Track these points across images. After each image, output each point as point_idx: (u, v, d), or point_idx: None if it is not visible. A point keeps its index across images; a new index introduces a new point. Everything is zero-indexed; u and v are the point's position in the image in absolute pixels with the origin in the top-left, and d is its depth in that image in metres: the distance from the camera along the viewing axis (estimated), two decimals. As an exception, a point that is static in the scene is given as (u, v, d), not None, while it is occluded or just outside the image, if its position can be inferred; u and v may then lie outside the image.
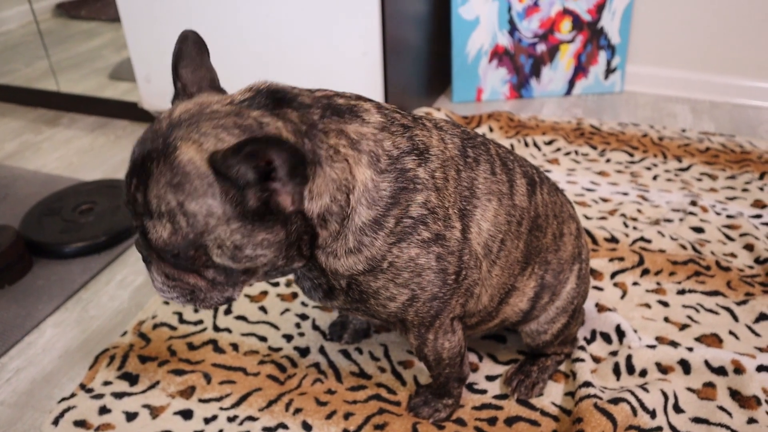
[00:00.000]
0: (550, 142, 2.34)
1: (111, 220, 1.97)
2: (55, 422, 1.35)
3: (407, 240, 0.97)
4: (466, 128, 1.14)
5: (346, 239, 0.95)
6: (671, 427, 1.28)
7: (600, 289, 1.65)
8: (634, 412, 1.26)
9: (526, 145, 2.32)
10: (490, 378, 1.42)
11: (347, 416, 1.32)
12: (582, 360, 1.41)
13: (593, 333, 1.51)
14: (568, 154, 2.27)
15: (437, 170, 1.00)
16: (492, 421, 1.31)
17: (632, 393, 1.29)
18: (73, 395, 1.42)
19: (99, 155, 2.51)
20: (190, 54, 0.96)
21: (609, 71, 2.79)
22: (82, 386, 1.45)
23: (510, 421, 1.31)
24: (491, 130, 2.38)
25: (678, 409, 1.31)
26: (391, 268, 0.98)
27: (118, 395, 1.40)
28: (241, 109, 0.86)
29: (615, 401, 1.26)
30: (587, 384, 1.33)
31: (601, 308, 1.52)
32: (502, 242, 1.11)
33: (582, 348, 1.44)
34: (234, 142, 0.80)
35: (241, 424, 1.31)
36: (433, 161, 1.00)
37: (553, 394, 1.37)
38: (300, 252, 0.94)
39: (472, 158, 1.08)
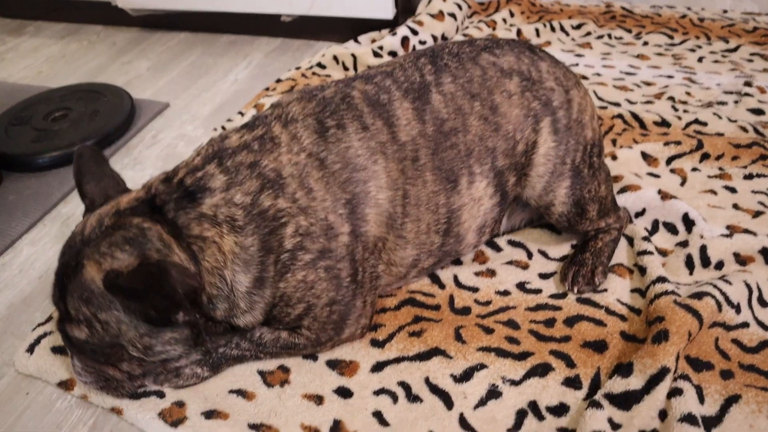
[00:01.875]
0: (578, 26, 2.09)
1: (89, 126, 1.73)
2: (30, 350, 1.15)
3: (290, 270, 0.98)
4: (323, 88, 1.09)
5: (238, 307, 0.99)
6: (758, 322, 1.09)
7: (656, 175, 1.44)
8: (719, 306, 1.07)
9: (553, 29, 2.07)
10: (544, 276, 1.22)
11: (375, 328, 1.13)
12: (650, 252, 1.21)
13: (655, 223, 1.31)
14: (600, 37, 2.03)
15: (297, 190, 0.98)
16: (549, 322, 1.12)
17: (714, 286, 1.10)
18: (49, 319, 1.21)
19: (72, 62, 2.24)
20: (90, 169, 1.05)
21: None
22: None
23: (570, 321, 1.12)
24: (512, 14, 2.13)
25: (763, 303, 1.12)
26: (283, 297, 1.00)
27: (109, 315, 1.20)
28: (124, 220, 0.94)
29: (698, 296, 1.07)
30: (662, 279, 1.13)
31: (664, 196, 1.31)
32: (404, 197, 1.05)
33: (647, 239, 1.24)
34: (126, 260, 0.90)
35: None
36: (289, 184, 0.98)
37: (618, 291, 1.17)
38: (215, 330, 1.02)
39: (334, 128, 1.03)
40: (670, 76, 1.82)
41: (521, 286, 1.20)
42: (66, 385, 1.09)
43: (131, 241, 0.91)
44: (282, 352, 1.07)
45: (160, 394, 1.04)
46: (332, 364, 1.07)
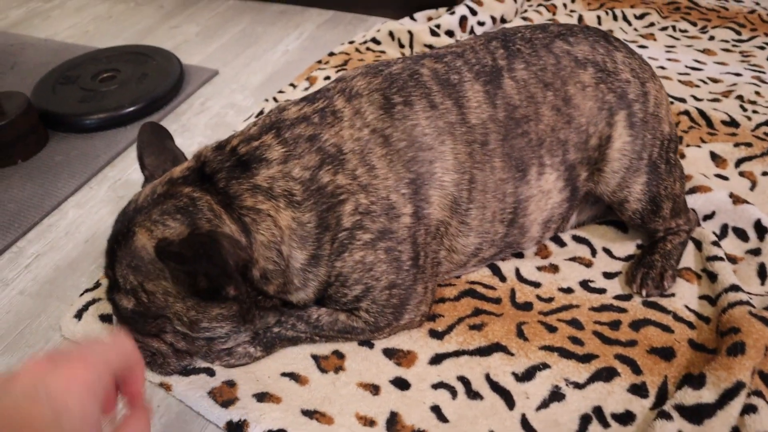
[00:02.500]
0: (641, 16, 2.01)
1: (137, 89, 1.69)
2: (78, 315, 1.12)
3: (348, 250, 0.95)
4: (389, 64, 1.05)
5: (292, 283, 0.96)
6: (837, 340, 1.03)
7: (724, 177, 1.38)
8: (798, 321, 1.02)
9: (615, 18, 1.99)
10: (609, 275, 1.17)
11: (433, 318, 1.09)
12: (720, 258, 1.15)
13: (724, 228, 1.25)
14: (664, 29, 1.95)
15: (358, 167, 0.94)
16: (615, 325, 1.07)
17: (793, 299, 1.04)
18: (97, 285, 1.19)
19: (118, 23, 2.20)
20: (152, 142, 1.05)
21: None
22: (111, 274, 1.22)
23: (636, 325, 1.07)
24: (573, 0, 2.05)
25: (842, 320, 1.07)
26: (339, 277, 0.97)
27: (158, 286, 1.17)
28: (175, 189, 0.91)
29: (777, 308, 1.02)
30: (735, 288, 1.07)
31: (736, 200, 1.25)
32: (471, 182, 1.01)
33: (716, 244, 1.19)
34: (177, 229, 0.87)
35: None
36: (349, 160, 0.94)
37: (686, 296, 1.12)
38: (265, 305, 0.98)
39: (401, 105, 0.98)
40: (737, 74, 1.74)
41: (585, 284, 1.15)
42: (114, 355, 1.06)
43: (182, 210, 0.89)
44: (339, 335, 1.03)
45: (210, 372, 1.01)
46: (389, 353, 1.03)
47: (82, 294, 1.16)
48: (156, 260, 0.87)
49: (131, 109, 1.63)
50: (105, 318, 1.11)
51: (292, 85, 1.73)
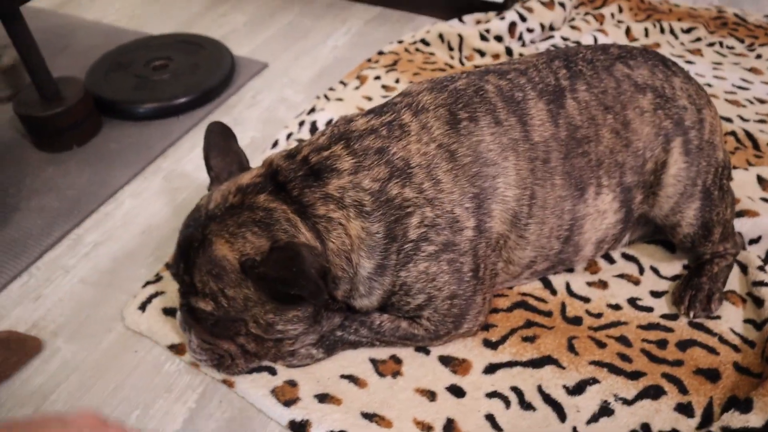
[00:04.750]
0: (688, 30, 2.01)
1: (190, 80, 1.71)
2: (142, 307, 1.16)
3: (413, 261, 0.98)
4: (454, 79, 1.07)
5: (357, 290, 1.00)
6: None
7: (769, 201, 1.39)
8: (842, 351, 1.04)
9: (662, 31, 1.99)
10: (656, 294, 1.19)
11: (487, 327, 1.12)
12: (766, 284, 1.17)
13: (769, 253, 1.27)
14: (711, 45, 1.95)
15: (424, 180, 0.97)
16: (662, 344, 1.10)
17: (838, 329, 1.07)
18: (159, 278, 1.22)
19: (166, 8, 2.22)
20: (218, 144, 1.07)
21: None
22: (168, 266, 1.25)
23: (683, 345, 1.10)
24: (620, 10, 2.06)
25: None
26: (403, 287, 1.00)
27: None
28: (249, 199, 0.94)
29: (823, 338, 1.04)
30: (782, 314, 1.10)
31: (783, 225, 1.27)
32: (531, 197, 1.03)
33: (762, 269, 1.21)
34: (257, 242, 0.91)
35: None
36: (416, 174, 0.97)
37: (731, 319, 1.15)
38: (332, 308, 1.04)
39: (466, 121, 1.01)
40: (785, 95, 1.74)
41: (633, 302, 1.18)
42: (176, 349, 1.10)
43: (259, 223, 0.92)
44: (399, 341, 1.07)
45: (272, 371, 1.05)
46: (445, 361, 1.07)
47: (144, 286, 1.20)
48: (239, 271, 0.90)
49: (184, 99, 1.65)
50: (168, 311, 1.14)
51: (342, 83, 1.75)
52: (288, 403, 1.00)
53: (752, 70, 1.85)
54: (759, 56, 1.92)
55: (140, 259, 1.29)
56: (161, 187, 1.46)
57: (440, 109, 1.02)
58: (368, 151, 0.98)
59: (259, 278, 0.90)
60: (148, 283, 1.21)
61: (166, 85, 1.69)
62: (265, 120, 1.65)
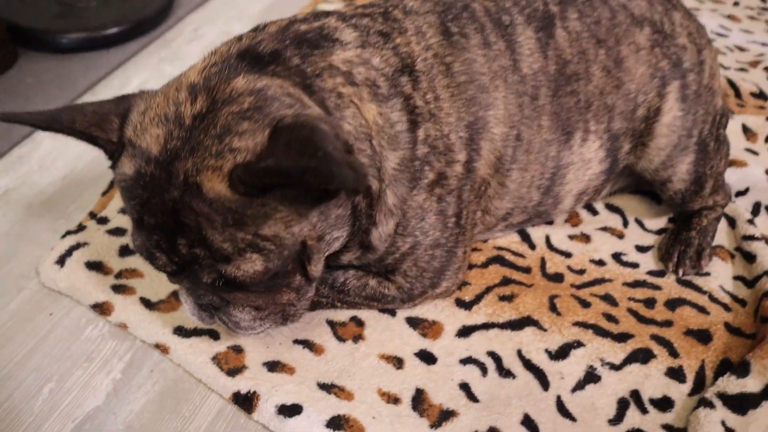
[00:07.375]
0: (663, -27, 1.91)
1: (121, 8, 1.53)
2: (60, 261, 1.00)
3: (417, 185, 0.85)
4: None
5: (385, 203, 0.84)
6: None
7: (754, 152, 1.31)
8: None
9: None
10: (641, 249, 1.10)
11: (459, 286, 1.00)
12: (757, 239, 1.09)
13: (757, 206, 1.19)
14: (688, -11, 1.86)
15: (428, 91, 0.85)
16: (650, 303, 1.01)
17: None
18: (81, 228, 1.06)
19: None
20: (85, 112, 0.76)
21: None
22: (93, 215, 1.09)
23: (672, 304, 1.01)
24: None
25: None
26: (402, 221, 0.86)
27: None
28: (219, 95, 0.69)
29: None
30: (774, 272, 1.02)
31: (773, 176, 1.19)
32: (517, 138, 0.93)
33: (751, 222, 1.12)
34: (252, 141, 0.66)
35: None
36: (421, 80, 0.84)
37: (721, 276, 1.06)
38: (360, 225, 0.83)
39: (458, 35, 0.89)
40: (764, 44, 1.67)
41: (617, 257, 1.08)
42: (101, 309, 0.95)
43: (248, 111, 0.68)
44: (365, 302, 0.93)
45: (214, 335, 0.91)
46: (413, 323, 0.94)
47: (63, 236, 1.03)
48: (248, 201, 0.67)
49: (115, 30, 1.48)
50: (93, 266, 0.98)
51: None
52: (232, 372, 0.86)
53: (730, 17, 1.78)
54: (737, 3, 1.84)
55: (60, 208, 1.12)
56: (86, 128, 1.28)
57: (429, 15, 0.89)
58: (370, 30, 0.83)
59: (265, 188, 0.66)
60: (68, 233, 1.05)
61: (94, 13, 1.51)
62: (208, 56, 1.48)
